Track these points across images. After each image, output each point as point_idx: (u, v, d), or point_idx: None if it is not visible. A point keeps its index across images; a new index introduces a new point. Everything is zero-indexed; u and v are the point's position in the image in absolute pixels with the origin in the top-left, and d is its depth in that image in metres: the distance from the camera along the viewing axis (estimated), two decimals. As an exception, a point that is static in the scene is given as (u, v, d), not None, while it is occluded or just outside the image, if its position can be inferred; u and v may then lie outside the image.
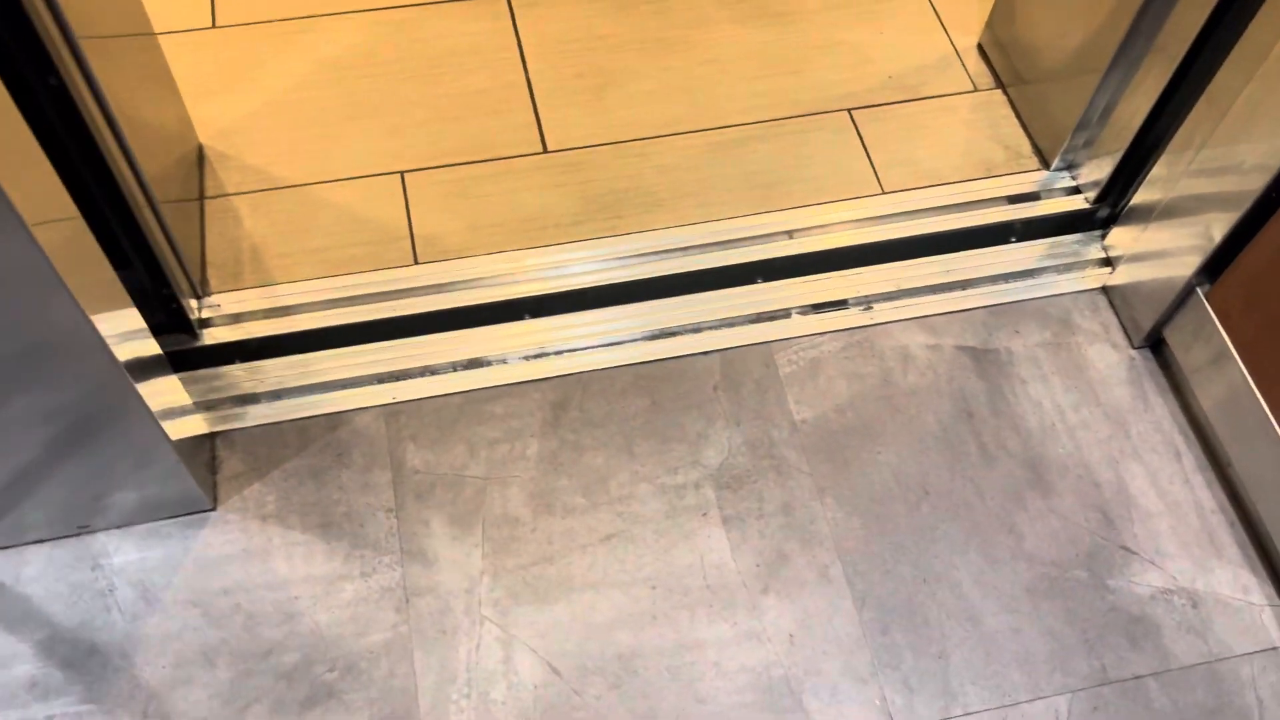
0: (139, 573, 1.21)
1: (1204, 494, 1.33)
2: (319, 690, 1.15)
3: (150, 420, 1.10)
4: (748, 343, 1.41)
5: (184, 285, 1.34)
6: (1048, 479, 1.33)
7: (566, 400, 1.36)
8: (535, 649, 1.19)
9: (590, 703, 1.16)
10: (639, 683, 1.18)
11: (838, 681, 1.19)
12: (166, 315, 1.32)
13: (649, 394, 1.37)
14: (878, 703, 1.18)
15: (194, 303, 1.38)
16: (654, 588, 1.23)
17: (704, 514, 1.29)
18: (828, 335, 1.43)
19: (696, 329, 1.42)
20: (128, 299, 1.08)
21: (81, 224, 0.98)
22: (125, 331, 1.05)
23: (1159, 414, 1.38)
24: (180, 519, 1.24)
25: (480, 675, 1.17)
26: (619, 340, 1.41)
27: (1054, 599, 1.25)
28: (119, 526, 1.23)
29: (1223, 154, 1.21)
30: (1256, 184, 1.16)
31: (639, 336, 1.41)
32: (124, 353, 1.03)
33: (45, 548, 1.21)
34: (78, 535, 1.22)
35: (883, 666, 1.20)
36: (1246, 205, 1.18)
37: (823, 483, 1.31)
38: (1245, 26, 1.19)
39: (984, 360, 1.41)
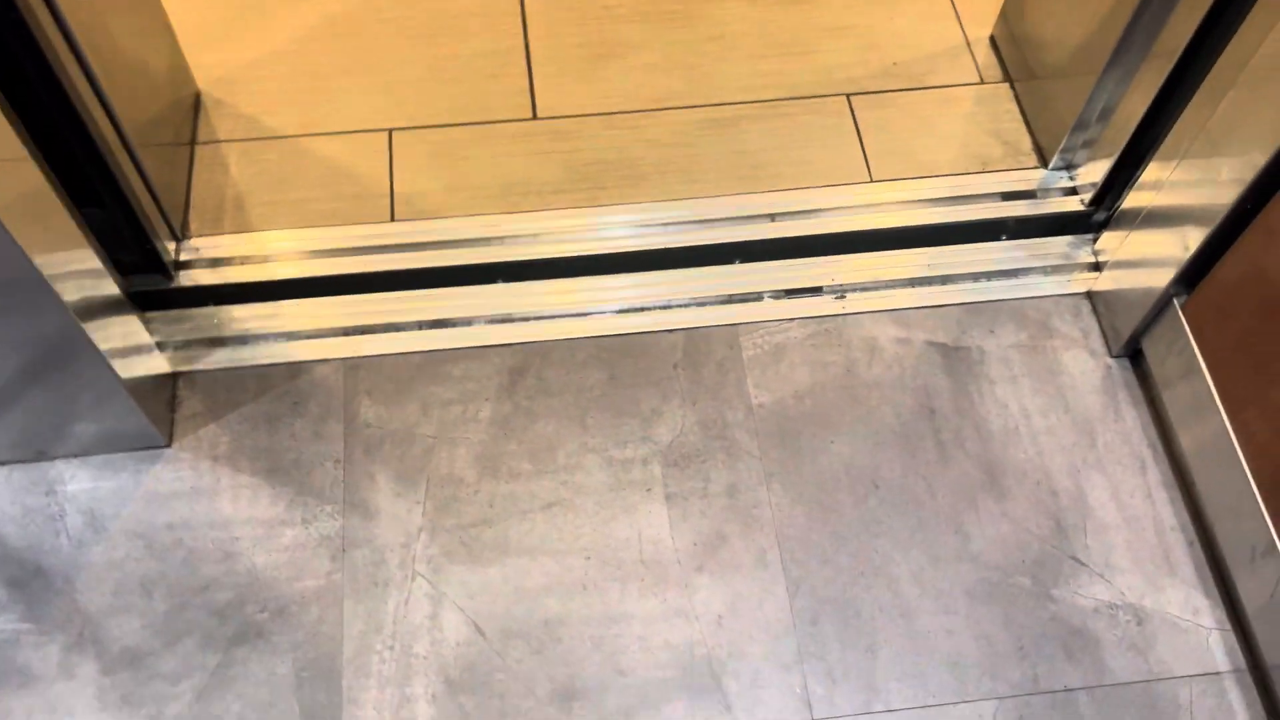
0: (90, 501, 1.24)
1: (1165, 510, 1.29)
2: (248, 629, 1.18)
3: (100, 359, 1.13)
4: (715, 323, 1.40)
5: (161, 227, 1.37)
6: (1004, 483, 1.30)
7: (525, 367, 1.36)
8: (463, 608, 1.20)
9: (510, 665, 1.17)
10: (561, 650, 1.18)
11: (760, 666, 1.18)
12: (141, 256, 1.34)
13: (609, 367, 1.37)
14: (798, 691, 1.17)
15: (172, 245, 1.41)
16: (588, 558, 1.24)
17: (648, 489, 1.28)
18: (796, 321, 1.41)
19: (666, 306, 1.42)
20: (81, 239, 1.11)
21: (29, 163, 1.00)
22: (75, 271, 1.08)
23: (1129, 425, 1.34)
24: (135, 453, 1.27)
25: (406, 629, 1.19)
26: (586, 312, 1.41)
27: (993, 604, 1.23)
28: (76, 455, 1.27)
29: (1203, 162, 1.17)
30: (1231, 194, 1.11)
31: (607, 310, 1.41)
32: (72, 292, 1.06)
33: (3, 470, 1.26)
34: (36, 460, 1.26)
35: (808, 655, 1.19)
36: (1221, 216, 1.13)
37: (771, 468, 1.30)
38: (1235, 32, 1.14)
39: (953, 358, 1.39)
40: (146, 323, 1.36)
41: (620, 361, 1.37)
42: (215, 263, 1.41)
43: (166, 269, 1.38)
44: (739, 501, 1.28)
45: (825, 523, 1.27)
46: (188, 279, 1.40)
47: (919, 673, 1.19)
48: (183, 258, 1.41)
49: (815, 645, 1.20)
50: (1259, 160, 1.06)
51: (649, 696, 1.16)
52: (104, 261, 1.19)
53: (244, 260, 1.41)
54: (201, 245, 1.42)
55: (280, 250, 1.42)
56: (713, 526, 1.26)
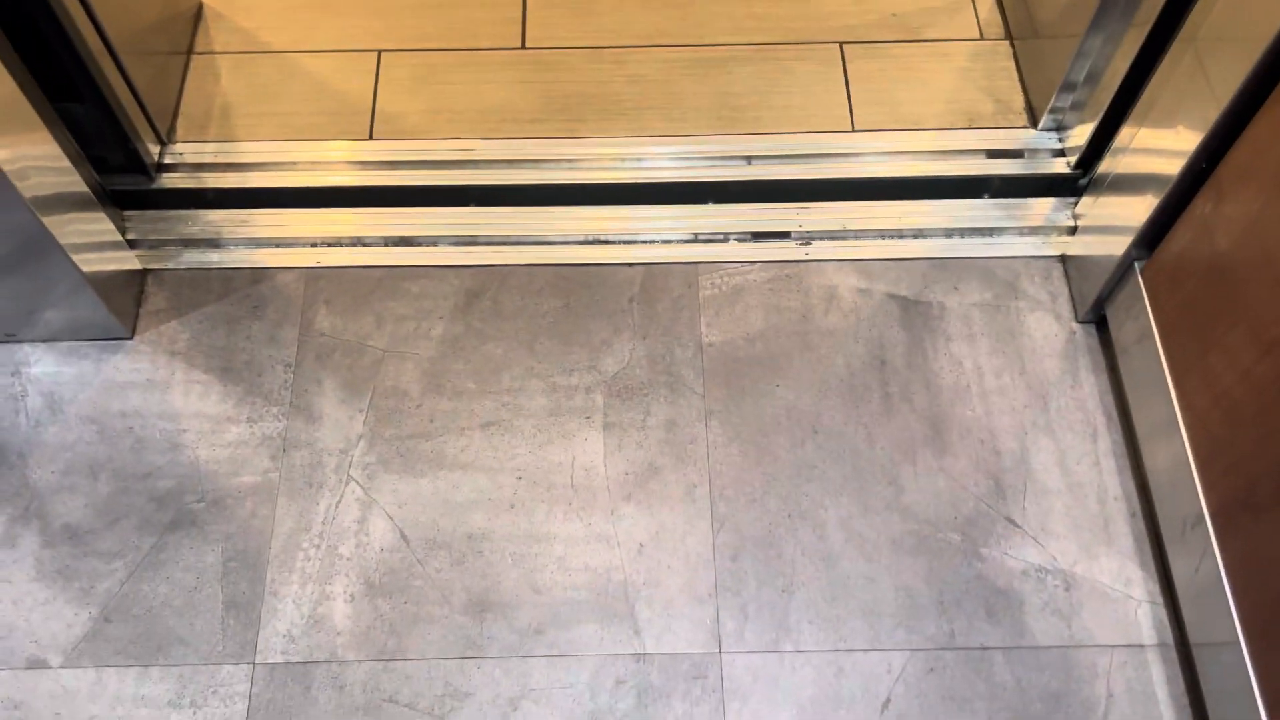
0: (52, 385, 1.29)
1: (1112, 480, 1.26)
2: (184, 517, 1.22)
3: (62, 253, 1.18)
4: (675, 260, 1.40)
5: (145, 130, 1.41)
6: (946, 438, 1.29)
7: (482, 290, 1.38)
8: (391, 515, 1.23)
9: (430, 573, 1.20)
10: (481, 563, 1.21)
11: (674, 597, 1.19)
12: (124, 156, 1.38)
13: (564, 296, 1.38)
14: (708, 624, 1.18)
15: (156, 148, 1.44)
16: (519, 478, 1.26)
17: (587, 417, 1.30)
18: (758, 265, 1.40)
19: (630, 240, 1.42)
20: (46, 134, 1.14)
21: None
22: (37, 165, 1.12)
23: (1085, 392, 1.32)
24: (98, 342, 1.32)
25: (334, 530, 1.22)
26: (549, 240, 1.42)
27: (919, 556, 1.22)
28: (44, 340, 1.32)
29: (1165, 123, 1.13)
30: (1185, 155, 1.08)
31: (571, 239, 1.42)
32: (33, 187, 1.10)
33: (-22, 349, 1.31)
34: (4, 342, 1.31)
35: (723, 590, 1.20)
36: (1176, 177, 1.10)
37: (712, 406, 1.30)
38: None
39: (912, 311, 1.37)
40: (123, 220, 1.41)
41: (577, 291, 1.38)
42: (195, 168, 1.45)
43: (148, 170, 1.42)
44: (676, 436, 1.29)
45: (759, 463, 1.27)
46: (168, 181, 1.43)
47: (833, 617, 1.19)
48: (165, 160, 1.45)
49: (732, 581, 1.20)
50: (1210, 117, 1.02)
51: (560, 615, 1.18)
52: (75, 158, 1.23)
53: (223, 168, 1.45)
54: (185, 150, 1.46)
55: (259, 160, 1.45)
56: (646, 458, 1.27)
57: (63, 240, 1.17)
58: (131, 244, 1.38)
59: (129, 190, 1.42)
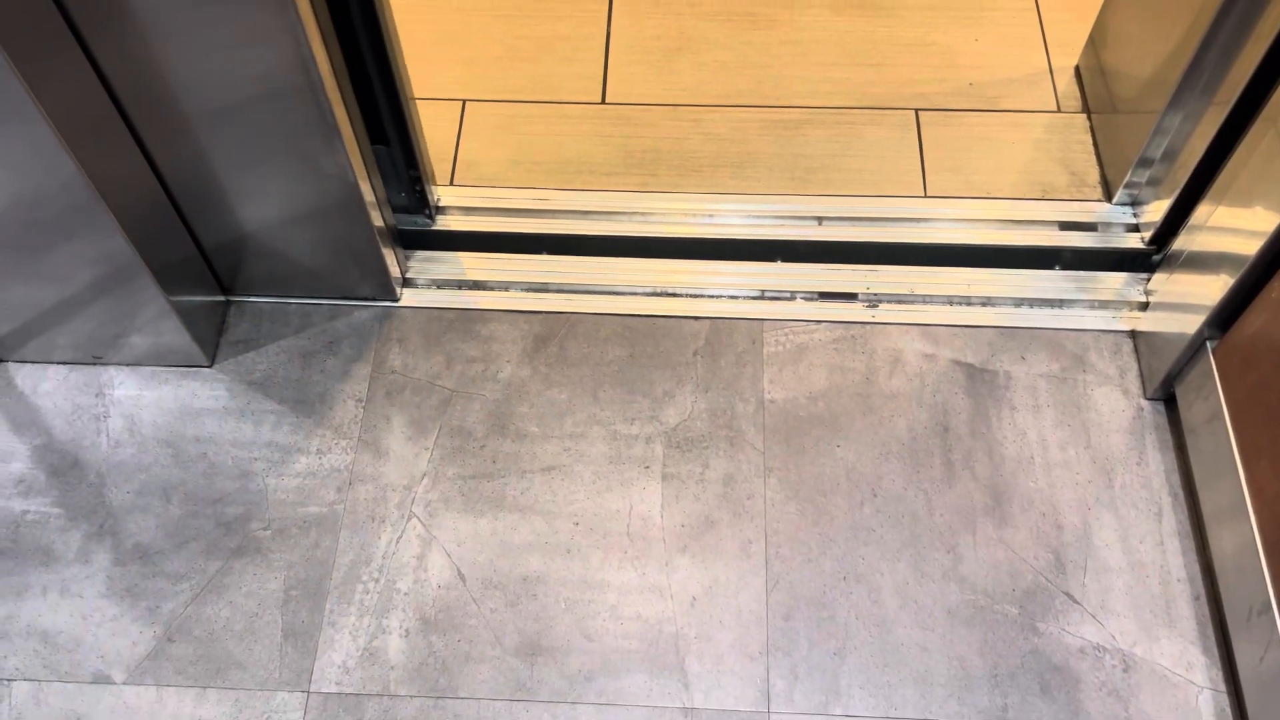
0: (133, 407, 1.34)
1: (1175, 560, 1.24)
2: (250, 543, 1.25)
3: (152, 284, 1.23)
4: (741, 316, 1.42)
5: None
6: (1008, 509, 1.28)
7: (550, 335, 1.41)
8: (450, 553, 1.25)
9: (484, 613, 1.21)
10: (535, 607, 1.22)
11: (725, 653, 1.19)
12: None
13: (630, 346, 1.40)
14: (758, 682, 1.18)
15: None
16: (577, 524, 1.27)
17: (646, 467, 1.31)
18: (824, 325, 1.41)
19: (697, 294, 1.44)
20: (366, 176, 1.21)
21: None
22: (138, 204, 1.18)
23: (1152, 470, 1.30)
24: (180, 369, 1.37)
25: (393, 565, 1.24)
26: (618, 290, 1.44)
27: (974, 627, 1.21)
28: (128, 364, 1.37)
29: (1243, 203, 1.13)
30: (1263, 237, 1.07)
31: (640, 291, 1.44)
32: (135, 230, 1.16)
33: (64, 369, 1.37)
34: (92, 364, 1.37)
35: (775, 649, 1.19)
36: (1252, 258, 1.09)
37: (772, 463, 1.31)
38: (1288, 72, 1.10)
39: (978, 379, 1.37)
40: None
41: (643, 342, 1.40)
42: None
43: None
44: (734, 491, 1.29)
45: (816, 523, 1.27)
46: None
47: (884, 683, 1.17)
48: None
49: (784, 640, 1.20)
50: (1290, 201, 1.02)
51: (611, 664, 1.18)
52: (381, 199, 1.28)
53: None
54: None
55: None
56: (703, 511, 1.28)
57: (165, 277, 1.23)
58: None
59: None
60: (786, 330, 1.41)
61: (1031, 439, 1.32)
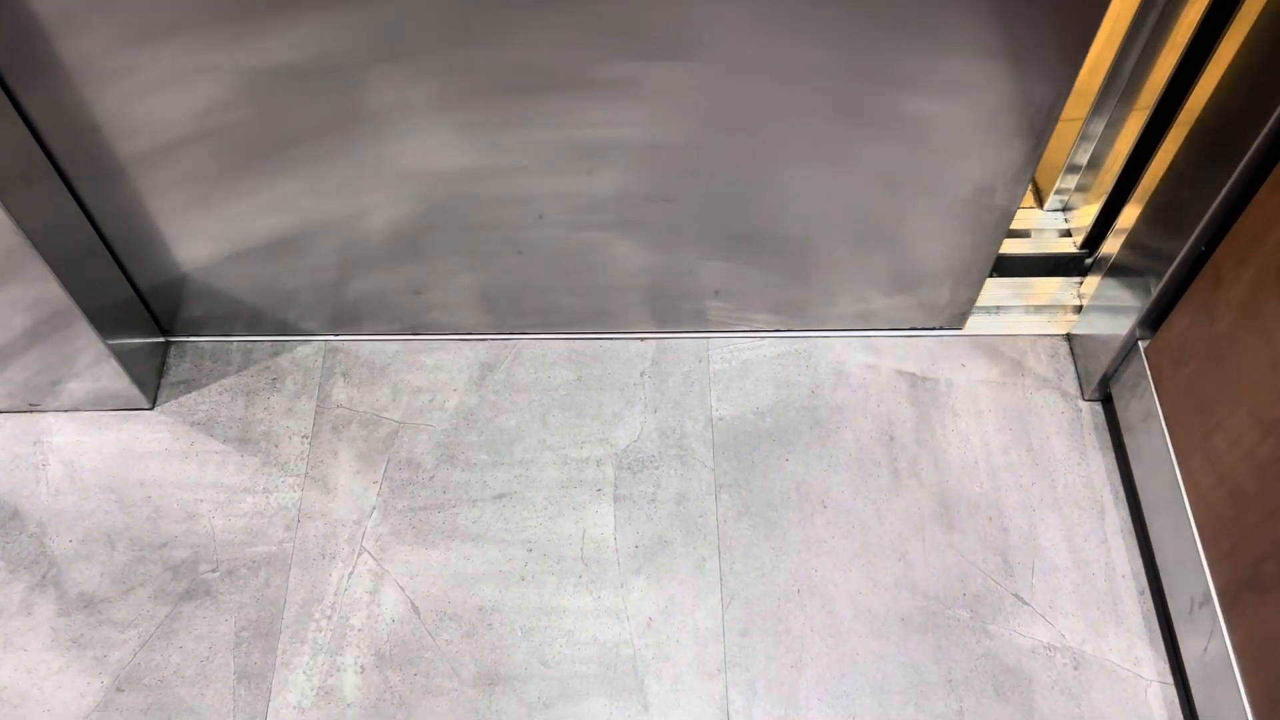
0: (73, 454, 1.32)
1: (1120, 557, 1.27)
2: (198, 586, 1.23)
3: (89, 327, 1.21)
4: (687, 334, 1.43)
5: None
6: (954, 515, 1.29)
7: (496, 362, 1.41)
8: (403, 587, 1.24)
9: (441, 645, 1.21)
10: (491, 636, 1.21)
11: (684, 672, 1.20)
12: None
13: (577, 369, 1.40)
14: (717, 699, 1.18)
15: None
16: (530, 550, 1.27)
17: (598, 490, 1.31)
18: (769, 339, 1.43)
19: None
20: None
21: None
22: (68, 244, 1.16)
23: (1093, 469, 1.33)
24: (120, 412, 1.35)
25: (345, 601, 1.23)
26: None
27: (927, 633, 1.22)
28: (67, 410, 1.35)
29: (1167, 205, 1.16)
30: (1187, 237, 1.10)
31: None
32: (63, 267, 1.14)
33: (9, 416, 1.34)
34: (29, 411, 1.34)
35: (733, 665, 1.20)
36: (1178, 258, 1.12)
37: (723, 480, 1.32)
38: (1197, 82, 1.14)
39: (920, 388, 1.39)
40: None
41: (589, 365, 1.41)
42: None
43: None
44: (686, 510, 1.30)
45: (769, 538, 1.28)
46: (192, 256, 1.47)
47: (842, 693, 1.18)
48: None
49: (742, 656, 1.20)
50: (1208, 201, 1.05)
51: (570, 689, 1.18)
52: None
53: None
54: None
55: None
56: (656, 531, 1.28)
57: (91, 314, 1.21)
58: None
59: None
60: (731, 347, 1.42)
61: (975, 444, 1.35)
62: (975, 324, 1.44)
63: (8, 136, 1.05)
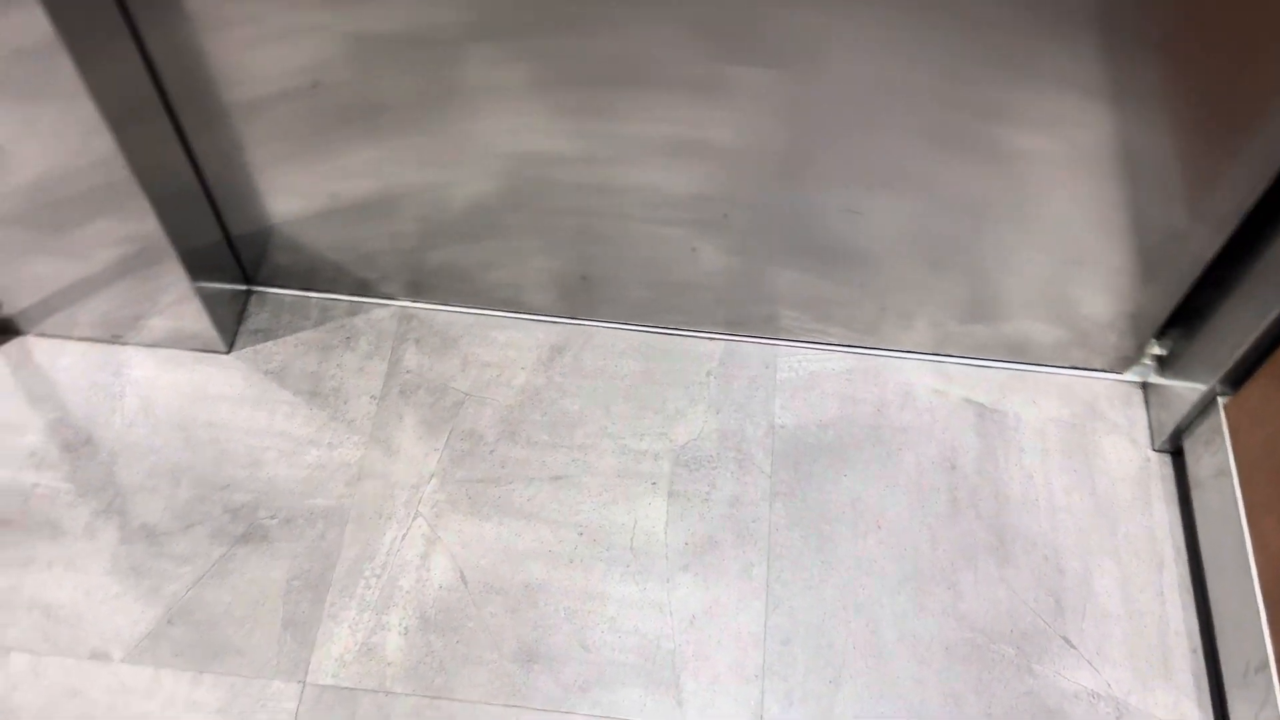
0: (148, 389, 1.35)
1: (1175, 613, 1.25)
2: (255, 531, 1.26)
3: (178, 268, 1.24)
4: (757, 340, 1.43)
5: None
6: (1010, 549, 1.28)
7: (566, 346, 1.42)
8: (454, 555, 1.26)
9: (484, 617, 1.22)
10: (535, 614, 1.22)
11: (721, 672, 1.20)
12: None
13: (645, 361, 1.41)
14: (752, 704, 1.18)
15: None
16: (581, 534, 1.28)
17: (654, 483, 1.32)
18: (837, 353, 1.42)
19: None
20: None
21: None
22: (176, 182, 1.19)
23: (1156, 521, 1.31)
24: (197, 353, 1.38)
25: (396, 562, 1.25)
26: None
27: (971, 664, 1.21)
28: (147, 345, 1.38)
29: (1259, 259, 1.14)
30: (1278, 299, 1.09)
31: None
32: (162, 201, 1.17)
33: (83, 346, 1.38)
34: (111, 343, 1.38)
35: (771, 673, 1.20)
36: (1271, 315, 1.10)
37: (778, 488, 1.32)
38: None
39: (987, 419, 1.38)
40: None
41: (658, 359, 1.41)
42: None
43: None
44: (739, 513, 1.30)
45: (819, 551, 1.27)
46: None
47: (879, 714, 1.18)
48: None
49: (781, 665, 1.20)
50: (1310, 261, 1.03)
51: (607, 676, 1.19)
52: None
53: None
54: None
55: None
56: (707, 531, 1.28)
57: (192, 262, 1.24)
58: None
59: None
60: (799, 358, 1.42)
61: (1038, 482, 1.33)
62: (1049, 359, 1.42)
63: (130, 72, 1.08)
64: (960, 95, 1.05)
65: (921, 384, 1.40)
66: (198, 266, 1.29)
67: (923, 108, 1.07)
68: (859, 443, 1.35)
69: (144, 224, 1.19)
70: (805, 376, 1.40)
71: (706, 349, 1.42)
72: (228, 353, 1.38)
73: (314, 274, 1.42)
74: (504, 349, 1.41)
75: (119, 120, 1.07)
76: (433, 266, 1.40)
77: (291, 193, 1.29)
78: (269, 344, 1.40)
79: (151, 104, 1.14)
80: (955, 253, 1.27)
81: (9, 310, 1.35)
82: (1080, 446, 1.36)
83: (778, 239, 1.29)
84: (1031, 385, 1.41)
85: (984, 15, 0.96)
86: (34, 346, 1.38)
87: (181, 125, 1.19)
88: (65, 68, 0.98)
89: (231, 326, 1.40)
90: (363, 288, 1.44)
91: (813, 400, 1.38)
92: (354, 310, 1.43)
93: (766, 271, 1.33)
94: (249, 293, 1.44)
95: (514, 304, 1.44)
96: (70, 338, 1.38)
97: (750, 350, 1.42)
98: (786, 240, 1.29)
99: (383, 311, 1.43)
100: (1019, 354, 1.41)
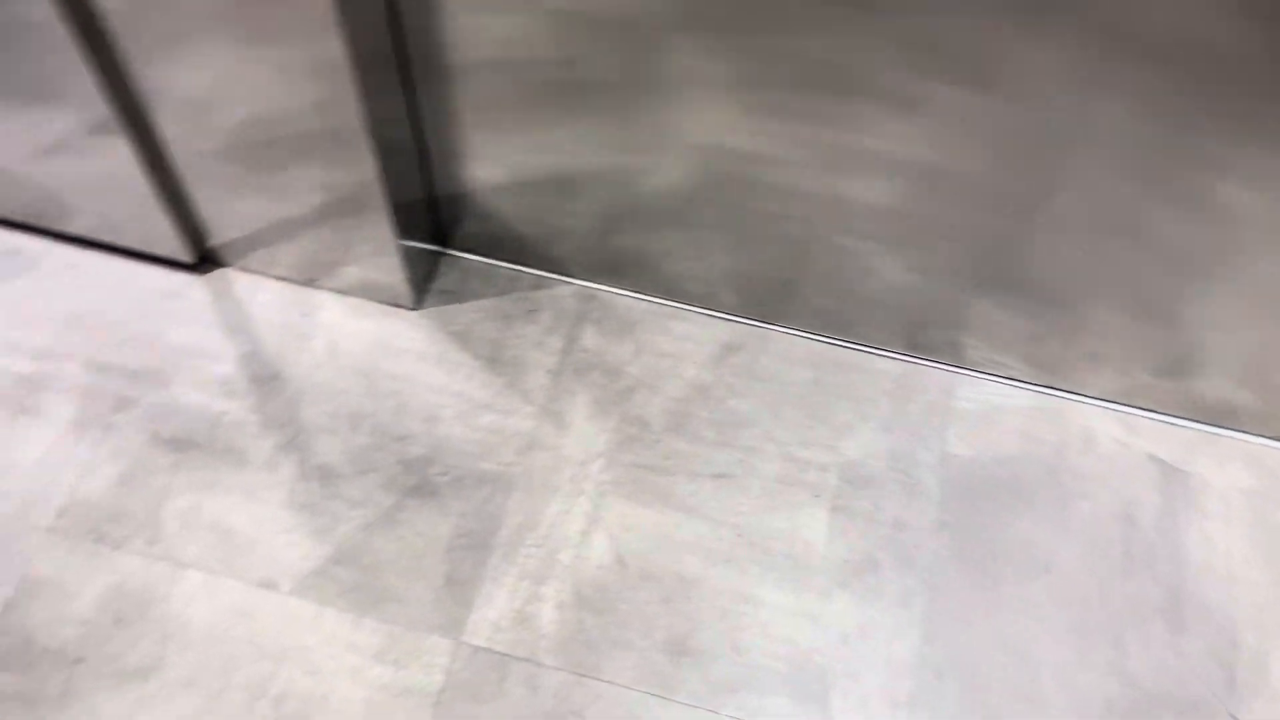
0: (337, 334, 1.39)
1: (1357, 708, 1.18)
2: (426, 485, 1.28)
3: (384, 222, 1.27)
4: (937, 365, 1.40)
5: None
6: (1184, 614, 1.23)
7: (740, 345, 1.41)
8: (614, 536, 1.26)
9: (638, 602, 1.22)
10: (689, 607, 1.22)
11: (871, 695, 1.18)
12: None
13: (818, 371, 1.39)
14: (900, 732, 1.16)
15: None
16: (739, 535, 1.27)
17: (816, 495, 1.30)
18: (1021, 389, 1.38)
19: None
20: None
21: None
22: (394, 125, 1.23)
23: (1344, 609, 1.24)
24: (385, 306, 1.42)
25: (557, 535, 1.26)
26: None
27: (1131, 728, 1.16)
28: (338, 292, 1.42)
29: None
30: None
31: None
32: (385, 165, 1.20)
33: (280, 285, 1.43)
34: (305, 285, 1.43)
35: (920, 704, 1.17)
36: None
37: (946, 518, 1.29)
38: None
39: (1172, 477, 1.32)
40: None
41: (832, 370, 1.40)
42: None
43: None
44: (902, 537, 1.27)
45: (982, 588, 1.24)
46: (477, 177, 1.53)
47: (1029, 763, 1.14)
48: (479, 158, 1.55)
49: (932, 698, 1.18)
50: None
51: (756, 680, 1.18)
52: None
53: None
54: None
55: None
56: (868, 550, 1.26)
57: (397, 218, 1.27)
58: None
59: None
60: (981, 388, 1.39)
61: (1219, 549, 1.27)
62: (1243, 424, 1.36)
63: (376, 17, 1.11)
64: (1183, 144, 1.00)
65: (1105, 432, 1.35)
66: (401, 222, 1.32)
67: (1139, 151, 1.03)
68: (1034, 483, 1.31)
69: (360, 173, 1.22)
70: (984, 408, 1.37)
71: (883, 367, 1.40)
72: (414, 309, 1.42)
73: (503, 244, 1.45)
74: (679, 340, 1.41)
75: (362, 64, 1.09)
76: (617, 250, 1.41)
77: (494, 160, 1.31)
78: (454, 306, 1.43)
79: (387, 53, 1.16)
80: (1158, 303, 1.22)
81: (216, 241, 1.41)
82: (1266, 519, 1.29)
83: (970, 265, 1.26)
84: (1221, 449, 1.35)
85: (1215, 70, 0.92)
86: (234, 280, 1.43)
87: (412, 78, 1.21)
88: (323, 3, 1.01)
89: (421, 285, 1.43)
90: (548, 263, 1.45)
91: (990, 433, 1.35)
92: (538, 284, 1.45)
93: (954, 297, 1.31)
94: (440, 254, 1.47)
95: (693, 297, 1.44)
96: (268, 275, 1.43)
97: (929, 374, 1.39)
98: (979, 268, 1.26)
99: (565, 289, 1.45)
100: (1211, 415, 1.36)
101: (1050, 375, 1.38)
